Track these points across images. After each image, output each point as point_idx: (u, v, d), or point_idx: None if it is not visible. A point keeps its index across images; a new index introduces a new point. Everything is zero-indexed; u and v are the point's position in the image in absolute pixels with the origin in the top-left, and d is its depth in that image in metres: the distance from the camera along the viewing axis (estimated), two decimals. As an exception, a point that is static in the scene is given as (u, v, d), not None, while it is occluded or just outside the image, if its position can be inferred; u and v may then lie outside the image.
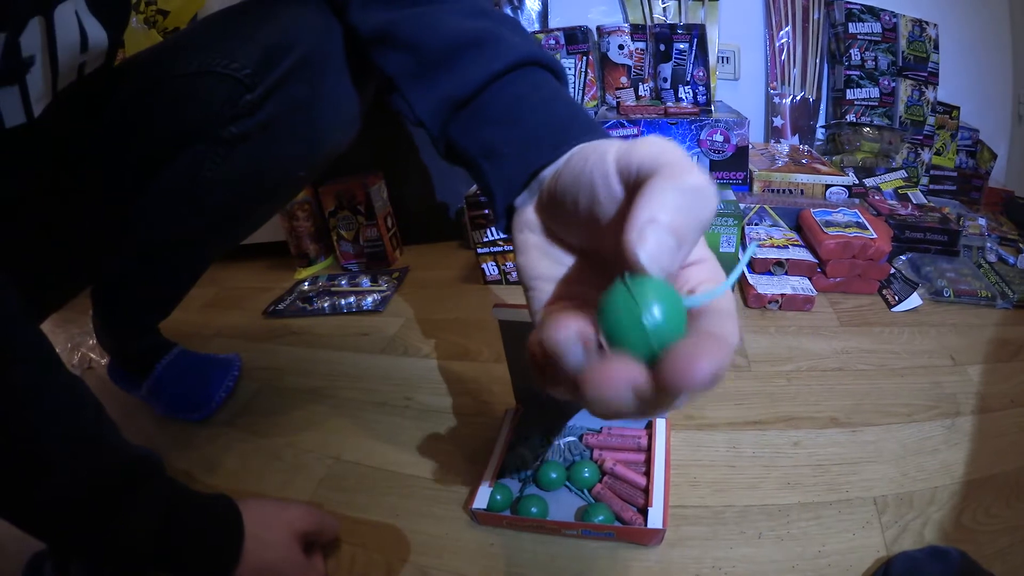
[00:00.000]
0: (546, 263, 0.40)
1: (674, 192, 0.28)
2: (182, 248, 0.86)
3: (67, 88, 0.61)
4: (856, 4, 1.59)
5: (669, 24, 1.59)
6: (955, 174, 1.67)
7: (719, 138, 1.37)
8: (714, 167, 1.40)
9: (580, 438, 0.80)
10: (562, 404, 0.81)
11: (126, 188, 0.76)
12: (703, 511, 0.71)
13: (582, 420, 0.83)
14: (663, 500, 0.68)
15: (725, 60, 1.68)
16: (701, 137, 1.38)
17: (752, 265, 1.19)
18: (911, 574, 0.58)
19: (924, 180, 1.67)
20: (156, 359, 0.99)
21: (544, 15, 1.65)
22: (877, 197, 1.43)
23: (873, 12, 1.59)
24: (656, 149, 0.30)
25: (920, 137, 1.65)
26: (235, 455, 0.90)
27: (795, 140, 1.69)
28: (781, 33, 1.64)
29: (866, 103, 1.63)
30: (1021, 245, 1.30)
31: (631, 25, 1.60)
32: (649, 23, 1.62)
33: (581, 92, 1.62)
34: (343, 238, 1.52)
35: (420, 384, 1.01)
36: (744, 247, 1.21)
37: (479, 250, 1.32)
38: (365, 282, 1.41)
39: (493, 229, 1.28)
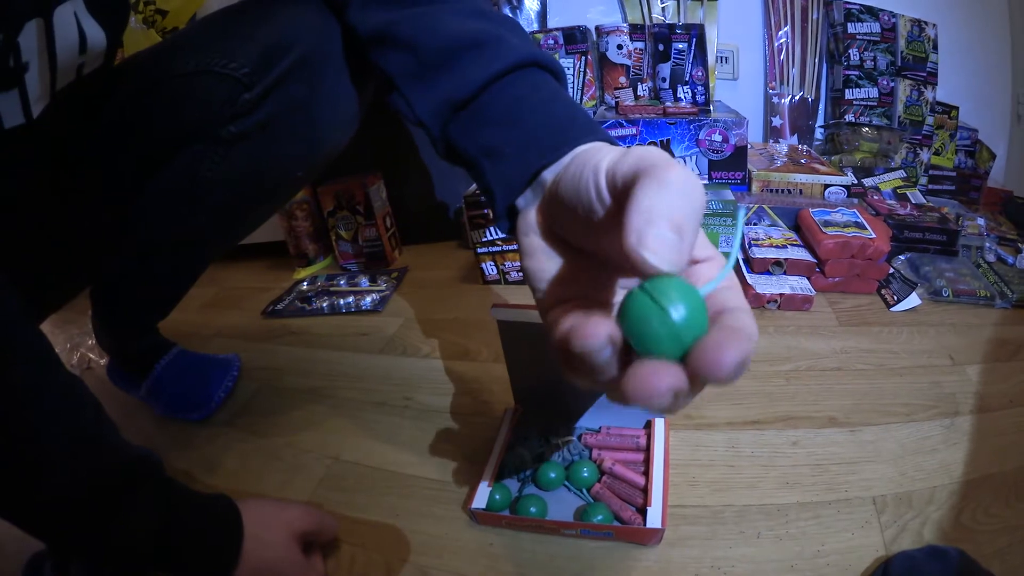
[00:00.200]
0: (557, 265, 0.40)
1: (660, 189, 0.28)
2: (181, 248, 0.86)
3: (66, 89, 0.61)
4: (855, 4, 1.59)
5: (668, 24, 1.59)
6: (954, 174, 1.67)
7: (718, 138, 1.37)
8: (713, 167, 1.40)
9: (579, 438, 0.80)
10: (561, 404, 0.81)
11: (125, 188, 0.76)
12: (702, 511, 0.71)
13: (581, 420, 0.83)
14: (662, 500, 0.68)
15: (724, 60, 1.68)
16: (700, 137, 1.38)
17: (751, 265, 1.19)
18: (910, 574, 0.58)
19: (923, 180, 1.67)
20: (155, 359, 0.99)
21: (543, 15, 1.65)
22: (876, 197, 1.43)
23: (872, 12, 1.59)
24: (636, 157, 0.31)
25: (919, 137, 1.65)
26: (234, 455, 0.90)
27: (794, 140, 1.69)
28: (780, 33, 1.64)
29: (865, 103, 1.63)
30: (1020, 245, 1.30)
31: (630, 25, 1.60)
32: (648, 23, 1.62)
33: (580, 92, 1.62)
34: (342, 238, 1.52)
35: (419, 384, 1.01)
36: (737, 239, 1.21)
37: (478, 250, 1.32)
38: (364, 282, 1.41)
39: (492, 229, 1.28)
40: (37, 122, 0.58)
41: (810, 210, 1.27)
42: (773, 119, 1.69)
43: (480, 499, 0.71)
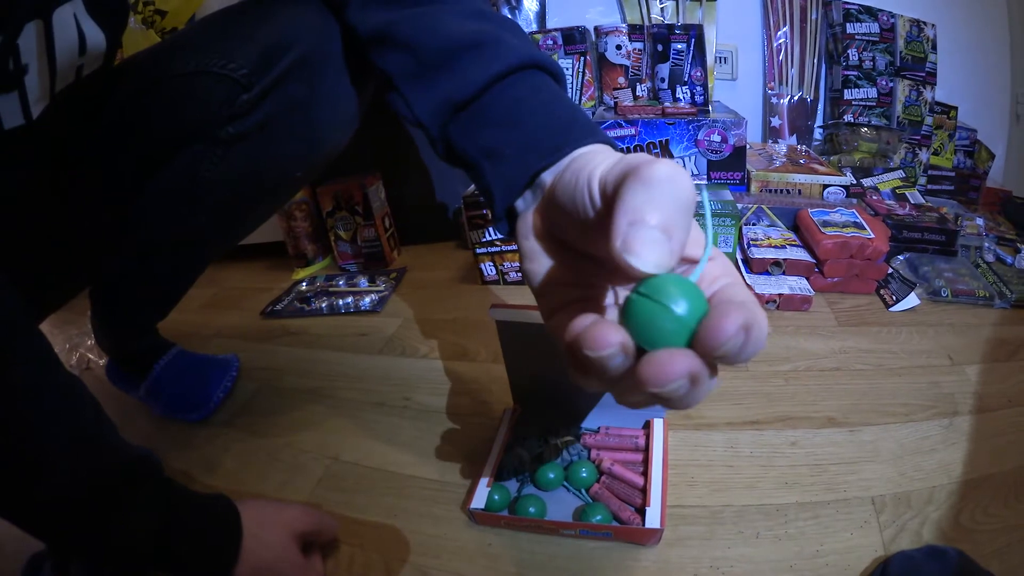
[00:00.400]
0: (560, 269, 0.40)
1: (643, 188, 0.28)
2: (180, 248, 0.86)
3: (65, 90, 0.61)
4: (854, 4, 1.59)
5: (667, 24, 1.59)
6: (953, 174, 1.68)
7: (717, 138, 1.37)
8: (712, 167, 1.40)
9: (578, 438, 0.80)
10: (560, 405, 0.81)
11: (125, 188, 0.76)
12: (701, 511, 0.71)
13: (579, 420, 0.83)
14: (661, 500, 0.68)
15: (723, 60, 1.68)
16: (699, 137, 1.38)
17: (750, 265, 1.19)
18: (909, 574, 0.58)
19: (922, 180, 1.67)
20: (154, 359, 0.99)
21: (542, 15, 1.65)
22: (875, 197, 1.43)
23: (871, 12, 1.59)
24: (627, 161, 0.31)
25: (918, 137, 1.65)
26: (233, 455, 0.90)
27: (793, 140, 1.69)
28: (779, 33, 1.64)
29: (864, 103, 1.63)
30: (1019, 245, 1.30)
31: (629, 25, 1.61)
32: (647, 23, 1.62)
33: (579, 92, 1.63)
34: (341, 238, 1.52)
35: (418, 384, 1.01)
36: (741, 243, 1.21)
37: (477, 250, 1.32)
38: (363, 282, 1.41)
39: (491, 229, 1.28)
40: (37, 123, 0.58)
41: (809, 210, 1.27)
42: (772, 119, 1.70)
43: (479, 499, 0.71)
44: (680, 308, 0.26)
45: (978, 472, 0.74)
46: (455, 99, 0.48)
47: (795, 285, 1.14)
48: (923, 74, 1.63)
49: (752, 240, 1.23)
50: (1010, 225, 1.45)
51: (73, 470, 0.52)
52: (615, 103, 1.56)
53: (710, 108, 1.55)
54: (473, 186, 1.27)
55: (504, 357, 0.78)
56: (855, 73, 1.62)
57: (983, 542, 0.64)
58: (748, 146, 1.44)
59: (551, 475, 0.74)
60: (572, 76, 1.61)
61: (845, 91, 1.63)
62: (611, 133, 1.39)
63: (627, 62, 1.61)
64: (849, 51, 1.60)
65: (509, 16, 1.60)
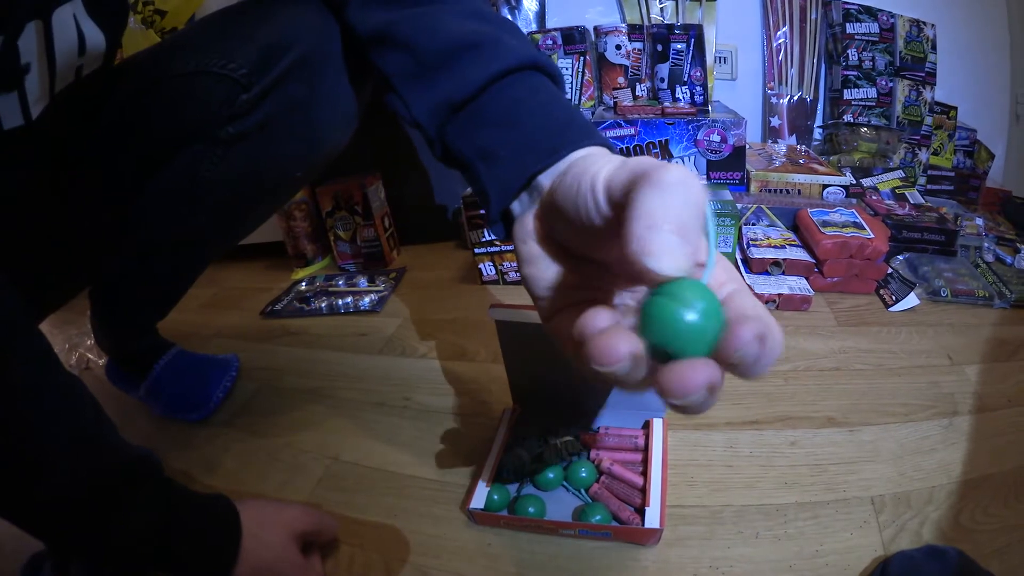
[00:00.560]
0: (559, 272, 0.40)
1: (659, 192, 0.28)
2: (180, 248, 0.86)
3: (65, 90, 0.61)
4: (853, 4, 1.59)
5: (666, 24, 1.59)
6: (952, 174, 1.68)
7: (716, 138, 1.37)
8: (711, 167, 1.40)
9: (577, 437, 0.80)
10: (560, 405, 0.81)
11: (124, 188, 0.76)
12: (700, 511, 0.71)
13: (581, 420, 0.83)
14: (660, 500, 0.68)
15: (722, 60, 1.68)
16: (698, 137, 1.38)
17: (749, 265, 1.19)
18: (909, 574, 0.58)
19: (921, 180, 1.67)
20: (154, 359, 0.99)
21: (541, 15, 1.65)
22: (874, 197, 1.43)
23: (871, 12, 1.59)
24: (632, 165, 0.31)
25: (917, 137, 1.65)
26: (233, 455, 0.90)
27: (792, 140, 1.69)
28: (778, 33, 1.64)
29: (863, 103, 1.63)
30: (1018, 245, 1.30)
31: (628, 25, 1.61)
32: (646, 23, 1.62)
33: (578, 92, 1.63)
34: (340, 238, 1.52)
35: (418, 384, 1.01)
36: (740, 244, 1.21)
37: (476, 250, 1.32)
38: (362, 282, 1.41)
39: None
40: (36, 123, 0.58)
41: (808, 210, 1.27)
42: (772, 119, 1.70)
43: (478, 499, 0.71)
44: (699, 310, 0.26)
45: (978, 472, 0.74)
46: (452, 99, 0.48)
47: (795, 285, 1.14)
48: (923, 74, 1.63)
49: (752, 240, 1.23)
50: (1010, 225, 1.45)
51: (72, 470, 0.52)
52: (615, 103, 1.56)
53: (710, 108, 1.55)
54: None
55: (503, 357, 0.78)
56: (855, 73, 1.62)
57: (983, 542, 0.64)
58: (748, 146, 1.44)
59: (551, 475, 0.74)
60: (571, 76, 1.61)
61: (845, 91, 1.63)
62: (610, 133, 1.39)
63: (627, 62, 1.61)
64: (849, 51, 1.60)
65: (508, 16, 1.60)
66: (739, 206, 1.30)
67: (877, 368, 0.95)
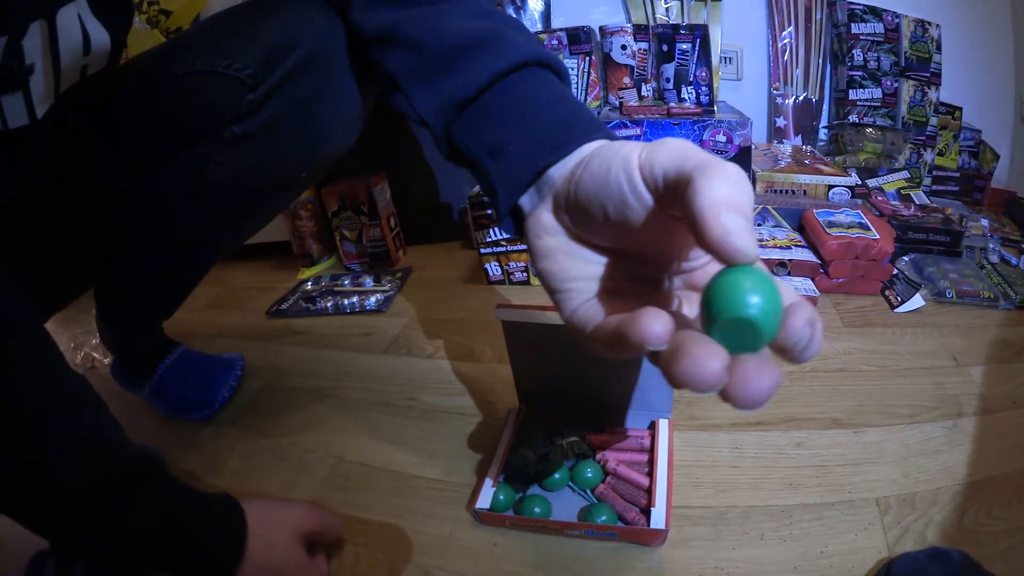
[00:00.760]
0: (578, 264, 0.40)
1: (726, 183, 0.28)
2: (185, 247, 0.86)
3: (70, 90, 0.61)
4: (858, 4, 1.59)
5: (672, 24, 1.59)
6: (958, 175, 1.67)
7: (722, 138, 1.37)
8: (717, 167, 1.39)
9: (583, 438, 0.80)
10: (566, 405, 0.81)
11: (129, 187, 0.76)
12: (706, 511, 0.71)
13: (586, 421, 0.83)
14: (666, 500, 0.68)
15: (728, 60, 1.68)
16: (704, 137, 1.38)
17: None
18: (913, 575, 0.58)
19: (927, 181, 1.67)
20: (159, 359, 0.99)
21: (547, 15, 1.65)
22: (880, 198, 1.43)
23: (875, 12, 1.59)
24: (676, 154, 0.31)
25: (923, 138, 1.65)
26: (238, 455, 0.90)
27: (798, 141, 1.69)
28: (784, 33, 1.64)
29: (869, 104, 1.63)
30: (1023, 246, 1.30)
31: (634, 25, 1.60)
32: (652, 23, 1.62)
33: (584, 92, 1.63)
34: (346, 238, 1.52)
35: (423, 384, 1.02)
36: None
37: (482, 250, 1.32)
38: (368, 282, 1.42)
39: (496, 229, 1.28)
40: (41, 123, 0.58)
41: (814, 211, 1.27)
42: (777, 120, 1.69)
43: (484, 499, 0.71)
44: (773, 293, 0.28)
45: (982, 474, 0.73)
46: (459, 97, 0.48)
47: (800, 286, 1.14)
48: (928, 74, 1.63)
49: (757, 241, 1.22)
50: (1015, 226, 1.44)
51: (75, 469, 0.52)
52: (620, 103, 1.56)
53: (715, 108, 1.55)
54: (478, 186, 1.28)
55: (510, 357, 0.78)
56: (860, 73, 1.61)
57: (987, 544, 0.64)
58: (753, 146, 1.44)
59: (556, 475, 0.74)
60: (577, 76, 1.61)
61: (850, 91, 1.62)
62: (616, 133, 1.39)
63: (632, 62, 1.60)
64: (854, 51, 1.60)
65: (514, 16, 1.60)
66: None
67: (882, 369, 0.94)
